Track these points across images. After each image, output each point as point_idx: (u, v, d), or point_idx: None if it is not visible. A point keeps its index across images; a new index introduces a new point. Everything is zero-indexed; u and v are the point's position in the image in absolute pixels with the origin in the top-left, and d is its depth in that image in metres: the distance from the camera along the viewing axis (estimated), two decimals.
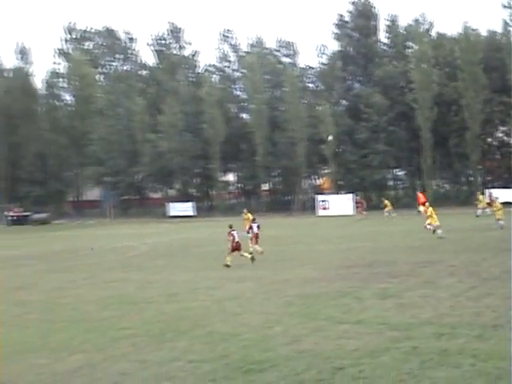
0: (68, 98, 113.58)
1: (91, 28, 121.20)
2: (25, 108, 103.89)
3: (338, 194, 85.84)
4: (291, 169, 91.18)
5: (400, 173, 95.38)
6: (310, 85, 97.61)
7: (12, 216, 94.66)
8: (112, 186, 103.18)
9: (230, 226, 37.39)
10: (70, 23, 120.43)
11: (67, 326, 22.07)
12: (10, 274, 37.89)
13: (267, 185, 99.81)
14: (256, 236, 41.17)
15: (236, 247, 36.69)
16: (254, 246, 40.42)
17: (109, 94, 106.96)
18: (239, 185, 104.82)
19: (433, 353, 16.13)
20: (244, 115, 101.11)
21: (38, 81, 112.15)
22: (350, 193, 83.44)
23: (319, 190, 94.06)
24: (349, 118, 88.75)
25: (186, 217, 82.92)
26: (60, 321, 23.14)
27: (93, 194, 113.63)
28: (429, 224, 44.95)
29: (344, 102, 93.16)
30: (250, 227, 41.89)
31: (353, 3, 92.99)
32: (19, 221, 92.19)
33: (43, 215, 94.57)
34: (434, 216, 44.35)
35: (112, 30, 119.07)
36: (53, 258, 44.77)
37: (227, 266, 35.32)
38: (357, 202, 70.66)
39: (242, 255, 36.58)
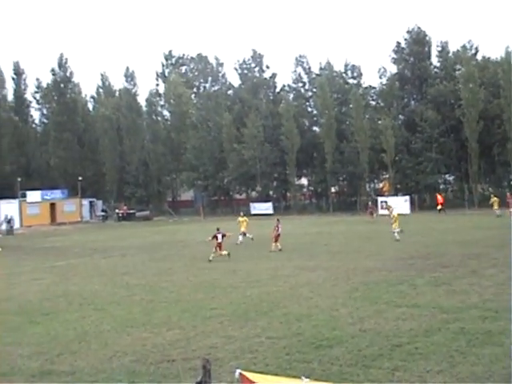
0: (166, 113, 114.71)
1: (186, 54, 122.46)
2: (130, 122, 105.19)
3: (396, 195, 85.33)
4: (356, 174, 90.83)
5: (450, 177, 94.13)
6: (372, 102, 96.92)
7: (120, 213, 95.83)
8: (203, 188, 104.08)
9: (217, 229, 38.47)
10: (169, 51, 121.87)
11: (166, 306, 22.33)
12: (117, 262, 38.46)
13: (335, 188, 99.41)
14: (277, 235, 41.12)
15: (218, 246, 37.58)
16: (275, 244, 40.68)
17: (200, 110, 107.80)
18: (311, 187, 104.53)
19: (478, 333, 15.98)
20: (315, 128, 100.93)
21: (142, 99, 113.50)
22: (406, 195, 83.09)
23: (380, 193, 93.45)
24: (405, 130, 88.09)
25: (265, 215, 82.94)
26: (160, 301, 23.43)
27: (187, 195, 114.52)
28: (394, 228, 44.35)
29: (401, 116, 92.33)
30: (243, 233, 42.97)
31: (408, 32, 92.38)
32: (126, 217, 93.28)
33: (145, 213, 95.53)
34: (397, 221, 44.09)
35: (204, 56, 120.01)
36: (153, 248, 45.25)
37: (210, 260, 36.07)
38: (369, 207, 67.78)
39: (221, 254, 36.96)
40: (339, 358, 14.61)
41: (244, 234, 45.28)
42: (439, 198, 77.89)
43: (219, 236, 37.87)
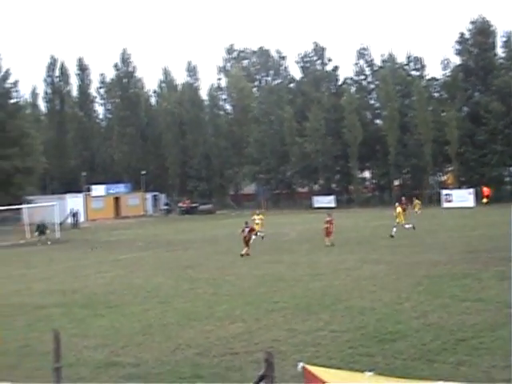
0: (228, 107, 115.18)
1: (248, 48, 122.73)
2: (193, 117, 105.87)
3: (460, 188, 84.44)
4: (419, 167, 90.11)
5: None
6: (436, 94, 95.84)
7: (183, 207, 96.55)
8: (265, 181, 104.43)
9: (246, 222, 38.76)
10: (230, 45, 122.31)
11: (229, 299, 22.42)
12: (181, 255, 38.78)
13: (398, 181, 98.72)
14: (328, 229, 40.94)
15: (246, 240, 37.18)
16: (327, 238, 40.45)
17: (262, 104, 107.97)
18: (374, 181, 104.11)
19: None
20: (378, 121, 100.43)
21: (204, 93, 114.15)
22: (470, 187, 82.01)
23: (444, 185, 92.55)
24: (470, 122, 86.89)
25: (328, 208, 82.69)
26: (223, 294, 23.54)
27: (249, 188, 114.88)
28: (402, 223, 43.79)
29: (465, 108, 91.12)
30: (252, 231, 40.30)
31: (472, 22, 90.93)
32: (188, 211, 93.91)
33: (208, 206, 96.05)
34: (402, 216, 43.95)
35: (265, 50, 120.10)
36: (216, 242, 45.51)
37: (242, 255, 35.78)
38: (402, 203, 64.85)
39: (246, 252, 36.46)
40: (403, 352, 14.50)
41: (256, 234, 42.98)
42: (485, 190, 77.37)
43: (246, 230, 37.76)
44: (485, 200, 74.46)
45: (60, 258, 42.21)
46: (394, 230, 42.61)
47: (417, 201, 66.51)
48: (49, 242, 53.12)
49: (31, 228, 58.28)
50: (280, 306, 20.74)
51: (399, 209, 45.31)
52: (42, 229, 54.41)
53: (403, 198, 57.24)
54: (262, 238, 44.81)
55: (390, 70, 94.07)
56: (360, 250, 36.03)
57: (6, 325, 20.02)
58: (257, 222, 46.22)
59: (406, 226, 44.36)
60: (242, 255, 35.73)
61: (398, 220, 44.10)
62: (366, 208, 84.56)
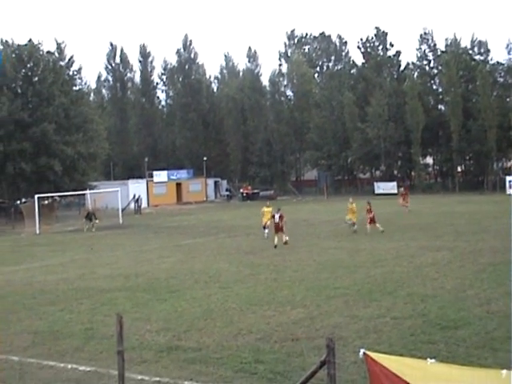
0: (289, 93, 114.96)
1: (309, 33, 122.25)
2: (254, 102, 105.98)
3: None
4: (483, 152, 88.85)
5: None
6: (500, 79, 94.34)
7: (244, 193, 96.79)
8: (326, 167, 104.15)
9: (278, 209, 37.56)
10: (291, 30, 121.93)
11: (290, 285, 22.47)
12: (242, 241, 38.93)
13: (461, 167, 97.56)
14: (372, 217, 40.60)
15: (279, 228, 36.26)
16: (370, 225, 40.14)
17: (323, 89, 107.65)
18: (436, 167, 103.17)
19: None
20: (441, 106, 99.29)
21: (265, 79, 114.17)
22: None
23: (508, 171, 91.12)
24: None
25: (389, 194, 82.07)
26: (284, 280, 23.60)
27: (310, 174, 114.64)
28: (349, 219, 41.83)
29: None
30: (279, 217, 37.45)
31: None
32: (250, 197, 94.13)
33: (269, 192, 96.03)
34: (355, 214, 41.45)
35: (327, 35, 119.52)
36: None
37: (276, 247, 34.77)
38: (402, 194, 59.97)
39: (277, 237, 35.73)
40: (466, 340, 14.36)
41: (264, 227, 40.12)
42: None
43: (276, 216, 37.03)
44: None
45: (123, 243, 42.74)
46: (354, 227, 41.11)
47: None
48: (93, 230, 53.81)
49: (94, 213, 59.19)
50: (341, 292, 20.71)
51: (354, 204, 42.46)
52: (90, 216, 55.82)
53: (402, 188, 53.96)
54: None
55: (453, 54, 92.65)
56: (422, 237, 35.76)
57: (72, 308, 20.41)
58: (266, 211, 41.17)
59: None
60: (275, 247, 34.76)
61: (349, 216, 42.08)
62: (428, 194, 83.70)
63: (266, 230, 39.22)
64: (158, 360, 14.17)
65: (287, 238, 36.19)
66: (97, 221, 55.75)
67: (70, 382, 13.01)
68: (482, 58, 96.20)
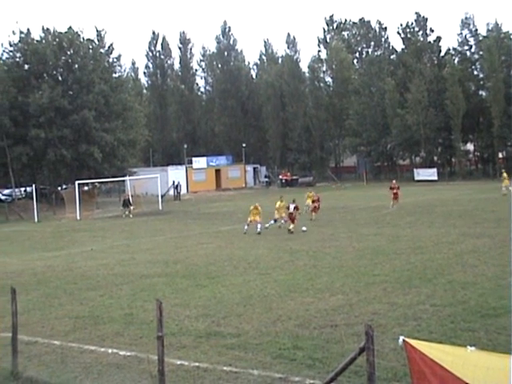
0: (328, 79, 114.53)
1: (348, 19, 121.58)
2: (293, 89, 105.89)
3: None
4: None
5: None
6: None
7: (283, 179, 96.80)
8: (366, 154, 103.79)
9: (293, 200, 37.96)
10: (330, 16, 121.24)
11: (328, 272, 22.46)
12: (281, 227, 38.74)
13: (502, 153, 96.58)
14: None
15: (292, 218, 36.97)
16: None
17: (363, 75, 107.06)
18: (477, 153, 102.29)
19: None
20: (482, 92, 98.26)
21: (304, 66, 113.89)
22: None
23: None
24: None
25: (429, 181, 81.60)
26: (322, 267, 23.58)
27: (350, 161, 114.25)
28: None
29: None
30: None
31: None
32: (289, 183, 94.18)
33: (308, 178, 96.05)
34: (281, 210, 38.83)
35: (366, 21, 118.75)
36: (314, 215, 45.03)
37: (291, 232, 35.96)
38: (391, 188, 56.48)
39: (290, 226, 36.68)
40: (507, 328, 14.23)
41: (275, 221, 38.92)
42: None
43: (291, 206, 37.58)
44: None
45: (162, 229, 43.02)
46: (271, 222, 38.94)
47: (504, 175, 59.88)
48: (131, 216, 54.39)
49: (134, 200, 59.72)
50: (380, 279, 20.65)
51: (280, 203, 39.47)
52: (126, 203, 57.35)
53: (393, 181, 51.82)
54: (280, 226, 38.79)
55: (495, 39, 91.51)
56: (463, 224, 35.50)
57: (112, 293, 20.60)
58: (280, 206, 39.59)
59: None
60: (290, 231, 36.20)
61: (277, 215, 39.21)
62: (468, 181, 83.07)
63: (276, 223, 38.76)
64: (197, 346, 14.24)
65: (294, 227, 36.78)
66: (132, 207, 56.51)
67: (111, 366, 13.13)
68: None
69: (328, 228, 37.13)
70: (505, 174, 57.97)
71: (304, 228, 36.75)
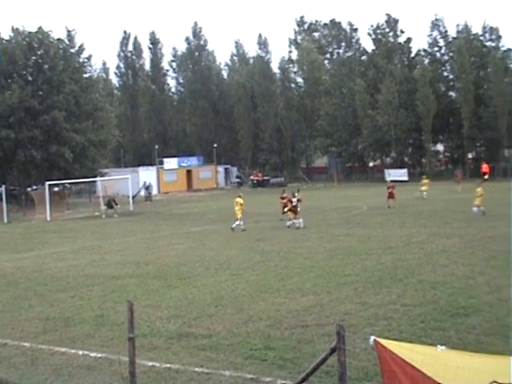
0: (299, 80, 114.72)
1: (319, 20, 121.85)
2: (264, 90, 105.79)
3: None
4: (494, 140, 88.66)
5: None
6: None
7: (254, 180, 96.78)
8: (337, 154, 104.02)
9: (298, 190, 40.31)
10: (300, 17, 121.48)
11: (300, 272, 22.53)
12: (252, 228, 38.89)
13: (472, 154, 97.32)
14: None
15: (294, 211, 38.22)
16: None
17: (334, 76, 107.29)
18: (447, 154, 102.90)
19: None
20: (452, 93, 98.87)
21: (275, 66, 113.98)
22: None
23: None
24: None
25: (400, 181, 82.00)
26: (294, 267, 23.66)
27: (321, 161, 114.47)
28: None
29: None
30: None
31: None
32: (260, 184, 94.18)
33: (280, 179, 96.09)
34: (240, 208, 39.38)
35: (337, 22, 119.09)
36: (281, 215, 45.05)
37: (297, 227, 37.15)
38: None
39: (293, 219, 38.05)
40: (476, 327, 14.36)
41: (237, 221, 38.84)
42: (484, 167, 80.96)
43: (294, 199, 38.66)
44: (486, 176, 75.48)
45: (133, 230, 42.89)
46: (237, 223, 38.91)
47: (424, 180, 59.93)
48: (115, 215, 54.26)
49: (105, 201, 59.49)
50: (351, 279, 20.75)
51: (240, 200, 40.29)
52: (110, 203, 56.82)
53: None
54: (243, 230, 37.97)
55: (464, 41, 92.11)
56: (433, 224, 35.77)
57: (83, 295, 20.50)
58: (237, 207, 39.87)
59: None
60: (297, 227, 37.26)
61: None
62: (438, 181, 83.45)
63: (237, 222, 38.70)
64: (169, 347, 14.22)
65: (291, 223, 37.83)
66: (118, 206, 56.41)
67: (82, 368, 13.08)
68: (493, 44, 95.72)
69: (299, 228, 37.17)
70: (425, 180, 58.80)
71: (288, 223, 37.91)
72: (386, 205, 48.20)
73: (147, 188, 79.58)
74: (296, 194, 39.32)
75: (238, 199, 40.20)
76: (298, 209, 38.55)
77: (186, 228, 41.47)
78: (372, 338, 7.19)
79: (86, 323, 16.63)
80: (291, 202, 38.61)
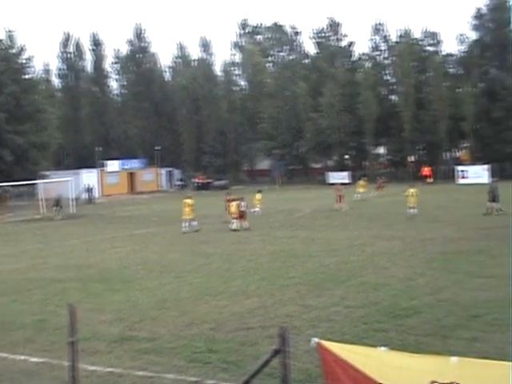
0: (242, 83, 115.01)
1: (262, 24, 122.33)
2: (207, 92, 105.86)
3: (475, 164, 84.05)
4: (434, 143, 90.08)
5: None
6: (451, 70, 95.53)
7: (197, 182, 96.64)
8: (280, 157, 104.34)
9: (241, 198, 39.99)
10: (243, 20, 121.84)
11: (243, 275, 22.52)
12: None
13: (413, 157, 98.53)
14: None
15: (241, 216, 38.46)
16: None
17: (277, 79, 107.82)
18: (388, 157, 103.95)
19: None
20: (393, 97, 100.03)
21: (218, 69, 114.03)
22: (485, 164, 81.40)
23: (459, 162, 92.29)
24: (485, 98, 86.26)
25: (342, 184, 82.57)
26: (237, 270, 23.64)
27: (264, 164, 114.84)
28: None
29: (481, 84, 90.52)
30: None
31: None
32: (203, 187, 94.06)
33: (223, 182, 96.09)
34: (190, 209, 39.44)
35: (280, 25, 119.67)
36: (225, 217, 45.05)
37: (235, 230, 37.56)
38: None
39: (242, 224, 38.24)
40: (416, 328, 14.54)
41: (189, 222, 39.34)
42: (425, 170, 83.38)
43: (242, 204, 39.02)
44: (428, 180, 77.38)
45: (75, 233, 42.44)
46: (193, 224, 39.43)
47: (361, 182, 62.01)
48: (58, 217, 53.83)
49: (47, 203, 58.68)
50: (294, 281, 20.82)
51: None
52: (60, 203, 56.59)
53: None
54: (184, 233, 38.10)
55: (405, 45, 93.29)
56: (374, 226, 36.09)
57: (23, 299, 20.21)
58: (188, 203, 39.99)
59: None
60: (235, 230, 37.57)
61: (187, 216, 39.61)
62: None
63: (186, 224, 38.94)
64: (111, 351, 14.11)
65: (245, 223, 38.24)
66: (56, 208, 55.97)
67: (22, 373, 12.89)
68: (433, 49, 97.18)
69: (242, 231, 37.22)
70: (362, 182, 59.60)
71: (234, 226, 38.21)
72: (329, 207, 48.55)
73: (89, 190, 78.93)
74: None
75: (187, 200, 40.20)
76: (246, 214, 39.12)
77: (128, 231, 41.19)
78: (314, 339, 7.22)
79: (27, 328, 16.40)
80: (239, 206, 38.80)
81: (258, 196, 48.84)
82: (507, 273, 19.84)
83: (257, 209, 47.41)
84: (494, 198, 39.67)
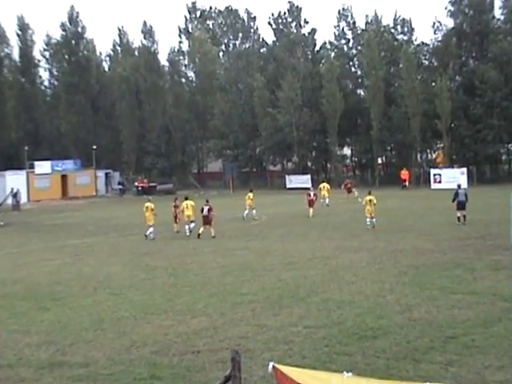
0: (191, 74, 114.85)
1: (213, 7, 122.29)
2: (150, 84, 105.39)
3: (451, 167, 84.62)
4: (405, 143, 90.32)
5: None
6: (426, 61, 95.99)
7: (139, 186, 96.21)
8: (233, 158, 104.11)
9: (207, 201, 40.60)
10: (192, 3, 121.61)
11: (190, 291, 22.51)
12: (137, 241, 38.75)
13: (382, 158, 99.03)
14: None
15: (208, 220, 39.17)
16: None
17: (229, 70, 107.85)
18: (354, 158, 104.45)
19: None
20: (360, 91, 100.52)
21: (163, 58, 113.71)
22: (463, 167, 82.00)
23: (433, 164, 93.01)
24: (463, 93, 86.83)
25: (303, 189, 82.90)
26: (184, 285, 23.62)
27: (214, 166, 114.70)
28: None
29: (458, 78, 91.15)
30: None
31: None
32: (146, 191, 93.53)
33: (168, 186, 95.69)
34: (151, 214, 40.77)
35: (233, 9, 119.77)
36: (173, 226, 45.08)
37: (199, 235, 38.47)
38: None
39: (205, 228, 39.02)
40: (385, 351, 14.63)
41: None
42: (403, 173, 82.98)
43: (205, 208, 39.27)
44: (406, 184, 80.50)
45: None
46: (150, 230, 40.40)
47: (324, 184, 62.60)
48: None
49: None
50: (248, 298, 20.83)
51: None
52: None
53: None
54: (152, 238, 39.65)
55: (374, 33, 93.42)
56: (339, 236, 36.24)
57: None
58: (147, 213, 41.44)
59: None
60: (199, 235, 38.18)
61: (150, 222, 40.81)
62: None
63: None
64: (39, 378, 13.99)
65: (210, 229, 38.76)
66: None
67: None
68: (405, 37, 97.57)
69: (190, 241, 37.19)
70: (325, 185, 60.19)
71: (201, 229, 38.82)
72: (288, 215, 48.65)
73: (15, 195, 78.09)
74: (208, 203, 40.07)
75: (148, 204, 41.30)
76: (211, 219, 39.32)
77: (60, 241, 40.88)
78: (271, 364, 7.23)
79: None
80: (202, 211, 39.04)
81: (251, 195, 49.96)
82: (487, 288, 20.07)
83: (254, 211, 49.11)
84: (461, 205, 39.81)
